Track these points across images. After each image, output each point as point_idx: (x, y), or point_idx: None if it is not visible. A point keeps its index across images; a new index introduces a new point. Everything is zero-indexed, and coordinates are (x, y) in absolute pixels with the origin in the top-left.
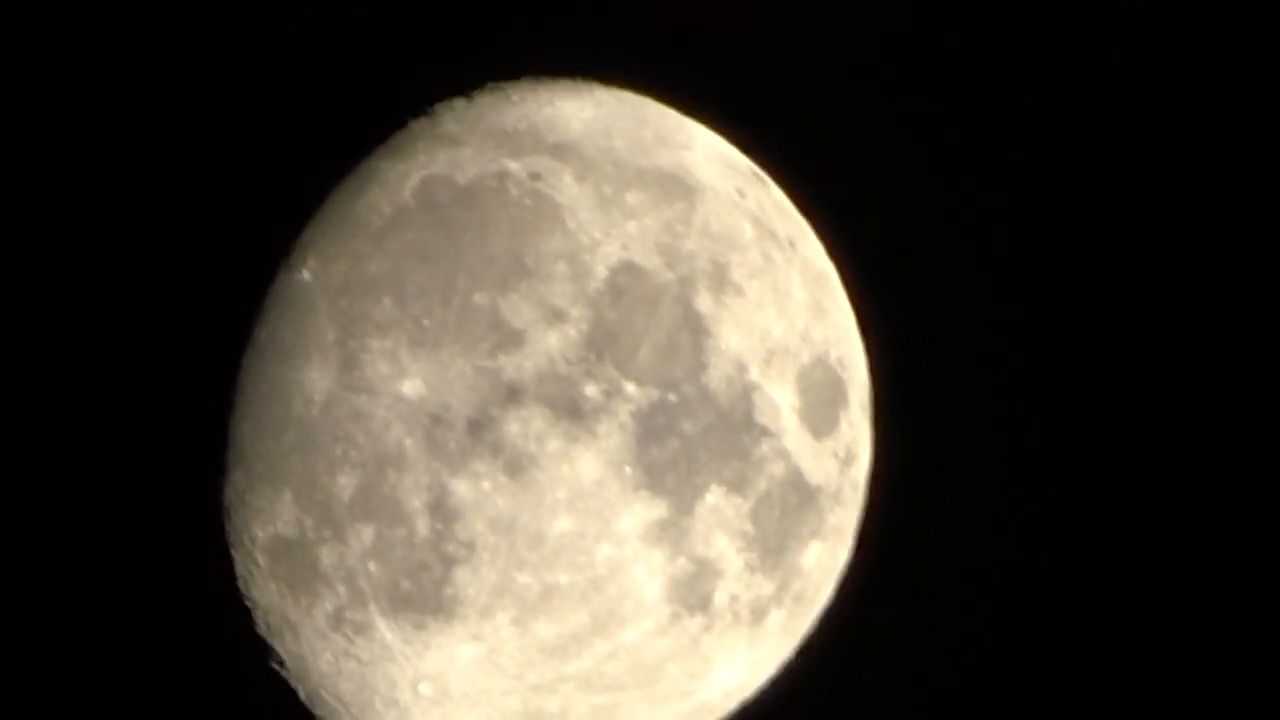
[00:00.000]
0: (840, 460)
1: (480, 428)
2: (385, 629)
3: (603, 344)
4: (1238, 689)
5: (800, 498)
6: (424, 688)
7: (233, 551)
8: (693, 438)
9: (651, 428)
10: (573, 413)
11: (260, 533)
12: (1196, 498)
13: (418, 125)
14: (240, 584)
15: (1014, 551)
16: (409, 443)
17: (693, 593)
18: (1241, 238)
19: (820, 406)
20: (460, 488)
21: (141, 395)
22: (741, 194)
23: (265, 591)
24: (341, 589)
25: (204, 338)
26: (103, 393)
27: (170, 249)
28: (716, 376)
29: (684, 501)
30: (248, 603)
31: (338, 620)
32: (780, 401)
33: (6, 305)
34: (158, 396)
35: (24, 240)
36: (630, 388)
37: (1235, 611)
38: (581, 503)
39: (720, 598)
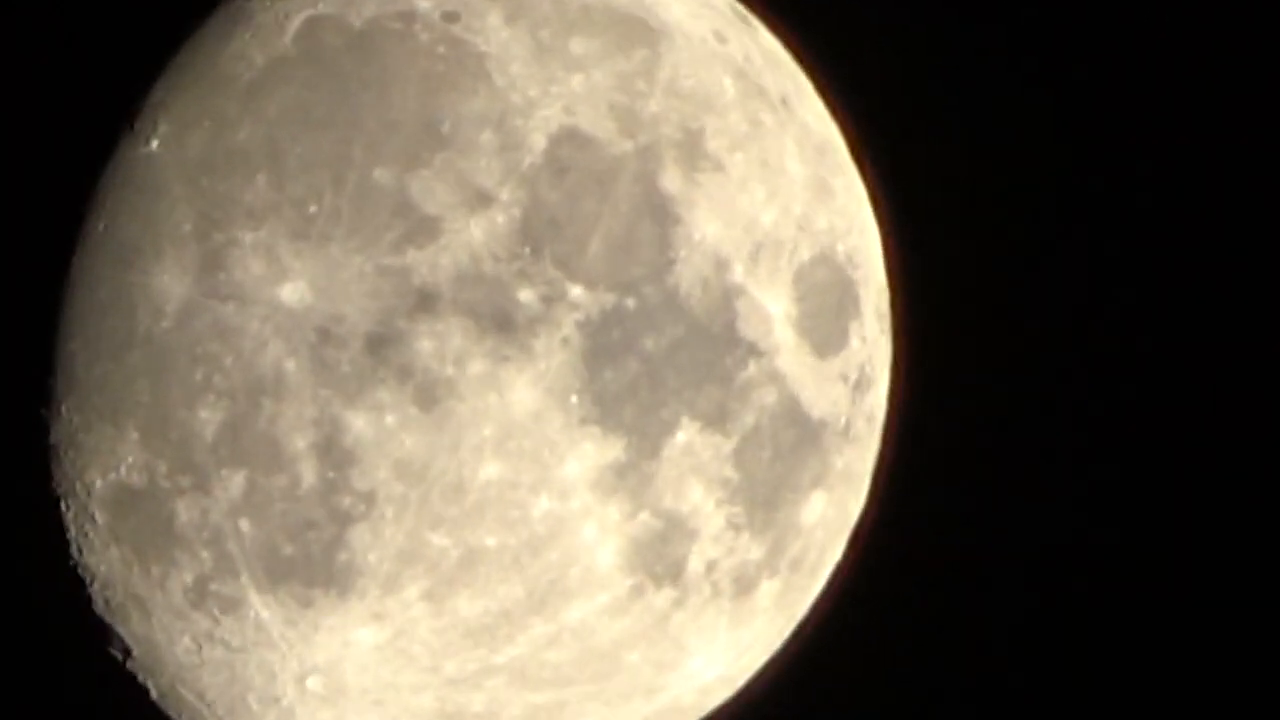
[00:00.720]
0: (850, 385)
1: (383, 345)
2: (261, 606)
3: (541, 235)
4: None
5: (798, 434)
6: (312, 682)
7: (62, 506)
8: (657, 357)
9: (604, 344)
10: (502, 325)
11: (98, 481)
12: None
13: None
14: (72, 548)
15: (1065, 504)
16: (290, 365)
17: (659, 559)
18: None
19: (824, 316)
20: (357, 423)
21: None
22: (721, 39)
23: (105, 557)
24: (204, 554)
25: (22, 231)
26: None
27: None
28: (688, 277)
29: (647, 440)
30: (81, 572)
31: (200, 595)
32: (771, 309)
33: None
34: None
35: None
36: (576, 291)
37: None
38: (514, 442)
39: (695, 565)
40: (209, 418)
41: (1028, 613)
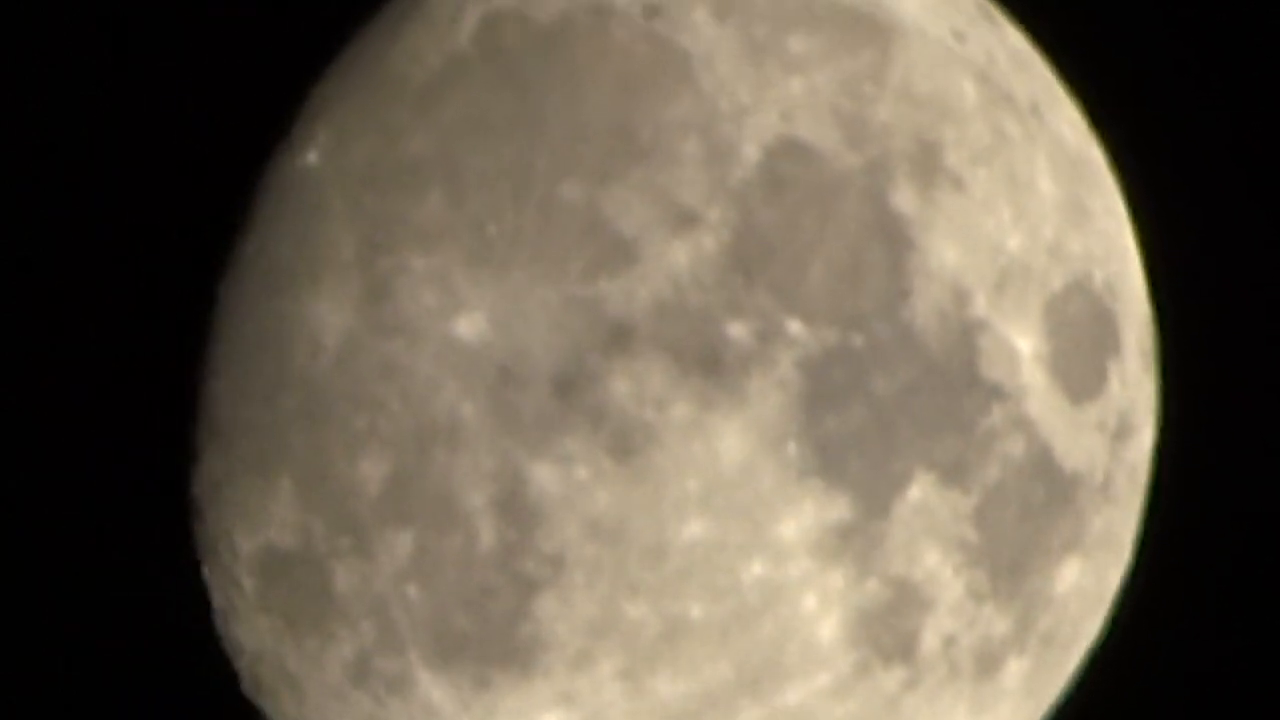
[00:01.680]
0: (1109, 435)
1: (572, 387)
2: (432, 685)
3: (754, 261)
4: None
5: (1050, 491)
6: None
7: (205, 570)
8: (888, 401)
9: (826, 386)
10: (709, 364)
11: (246, 543)
12: None
13: None
14: (215, 619)
15: None
16: (467, 410)
17: (889, 632)
18: None
19: (1079, 355)
20: (543, 476)
21: (79, 343)
22: (961, 37)
23: (253, 629)
24: (366, 626)
25: (163, 255)
26: (33, 341)
27: (122, 126)
28: (923, 310)
29: (876, 497)
30: (226, 646)
31: (362, 673)
32: (1019, 346)
33: None
34: (101, 345)
35: None
36: (795, 326)
37: None
38: (722, 498)
39: (930, 640)
40: (373, 470)
41: None
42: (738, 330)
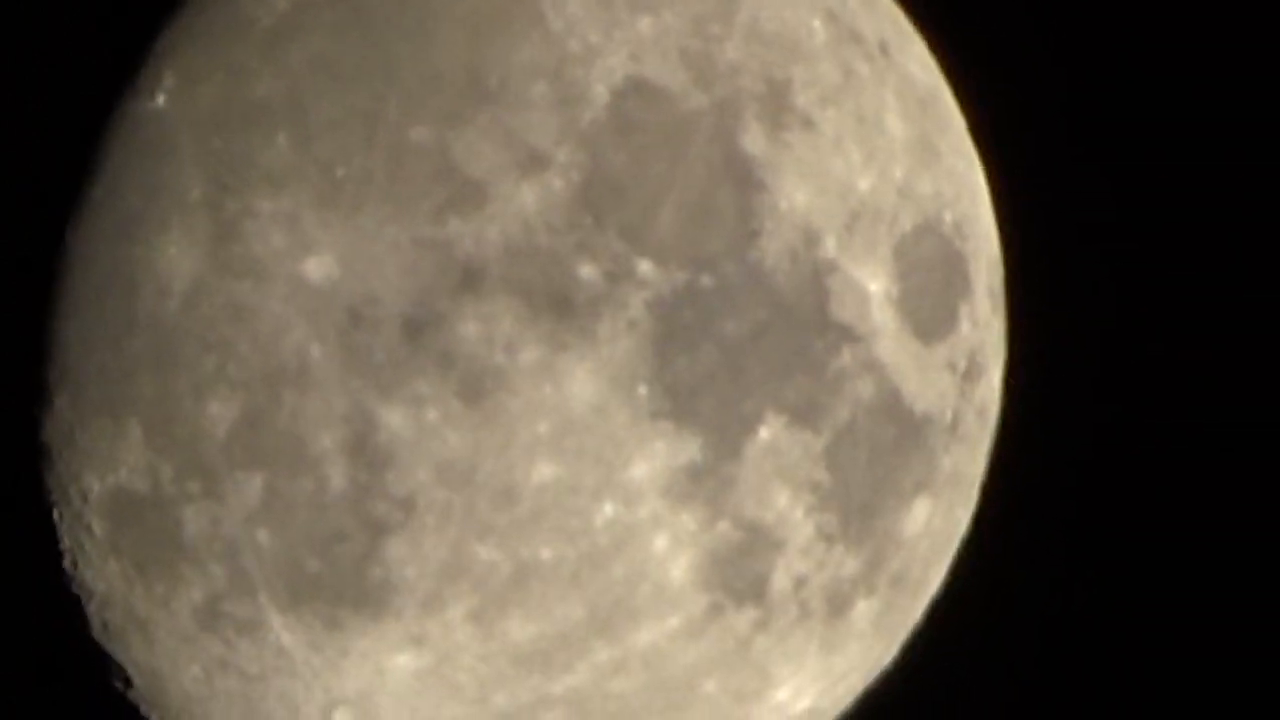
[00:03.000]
0: (959, 375)
1: (422, 329)
2: (282, 628)
3: (604, 202)
4: None
5: (899, 431)
6: (340, 715)
7: (54, 514)
8: (738, 342)
9: (677, 327)
10: (560, 306)
11: (96, 485)
12: None
13: None
14: (65, 562)
15: (1212, 504)
16: (316, 352)
17: (740, 574)
18: None
19: (929, 295)
20: (393, 418)
21: None
22: None
23: (103, 573)
24: (216, 569)
25: (10, 201)
26: None
27: None
28: (773, 251)
29: (726, 438)
30: (76, 590)
31: (211, 616)
32: (869, 287)
33: None
34: None
35: None
36: (645, 267)
37: None
38: (573, 440)
39: (781, 581)
40: (222, 413)
41: (1177, 642)
42: (588, 272)
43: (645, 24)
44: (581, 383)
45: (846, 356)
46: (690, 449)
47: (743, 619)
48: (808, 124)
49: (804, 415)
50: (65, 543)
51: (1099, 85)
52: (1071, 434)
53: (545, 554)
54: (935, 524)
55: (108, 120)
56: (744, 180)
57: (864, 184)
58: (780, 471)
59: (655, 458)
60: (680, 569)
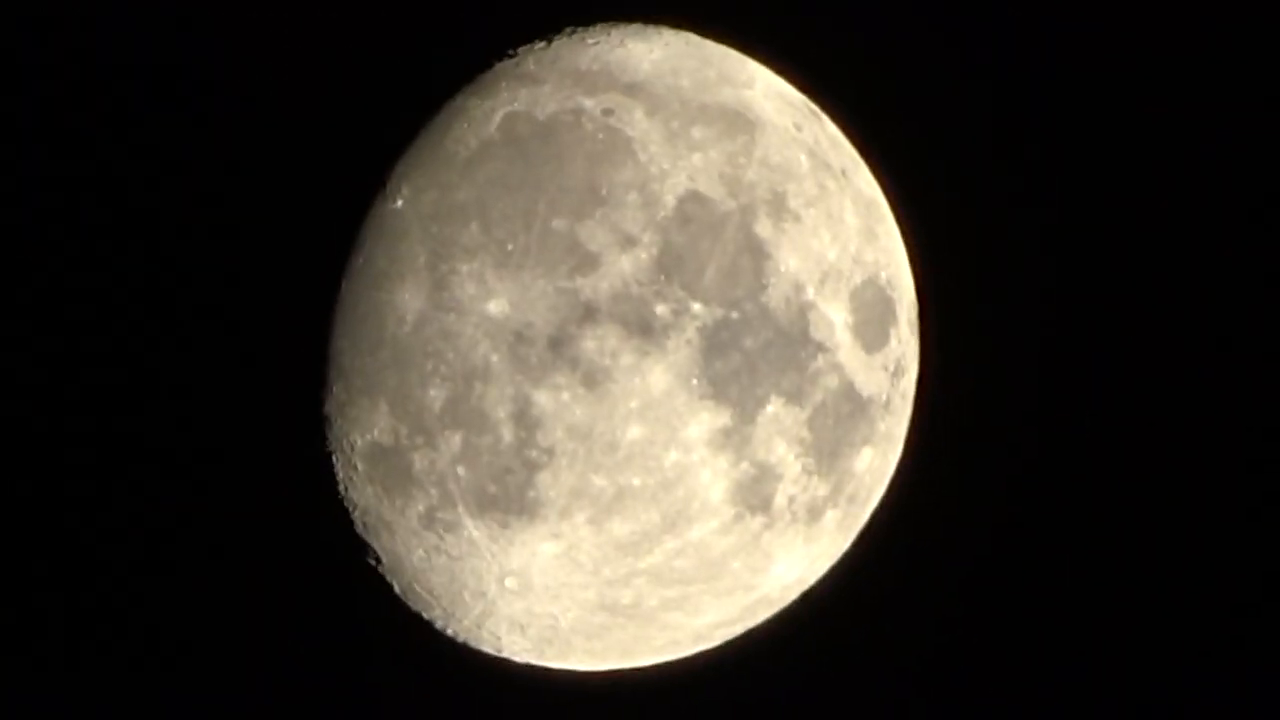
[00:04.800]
0: (890, 373)
1: (560, 344)
2: (473, 528)
3: (671, 266)
4: None
5: (853, 407)
6: (509, 582)
7: (333, 457)
8: (754, 352)
9: (716, 343)
10: (644, 330)
11: (359, 440)
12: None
13: (501, 66)
14: (340, 487)
15: (1047, 454)
16: (494, 358)
17: (754, 494)
18: None
19: (871, 323)
20: (541, 399)
21: (253, 317)
22: (798, 128)
23: (363, 494)
24: (433, 491)
25: (308, 264)
26: (219, 314)
27: (279, 182)
28: (776, 296)
29: (746, 411)
30: (347, 504)
31: (429, 520)
32: (834, 319)
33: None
34: (267, 319)
35: (143, 178)
36: (696, 306)
37: None
38: (652, 412)
39: (780, 499)
40: (437, 395)
41: (1019, 535)
42: (661, 310)
43: (697, 158)
44: (657, 377)
45: (820, 361)
46: (724, 418)
47: (756, 523)
48: (797, 219)
49: (794, 397)
50: (339, 476)
51: (989, 194)
52: (960, 409)
53: (635, 482)
54: (875, 464)
55: (368, 215)
56: (758, 253)
57: (831, 255)
58: (780, 432)
59: (702, 423)
60: (718, 492)
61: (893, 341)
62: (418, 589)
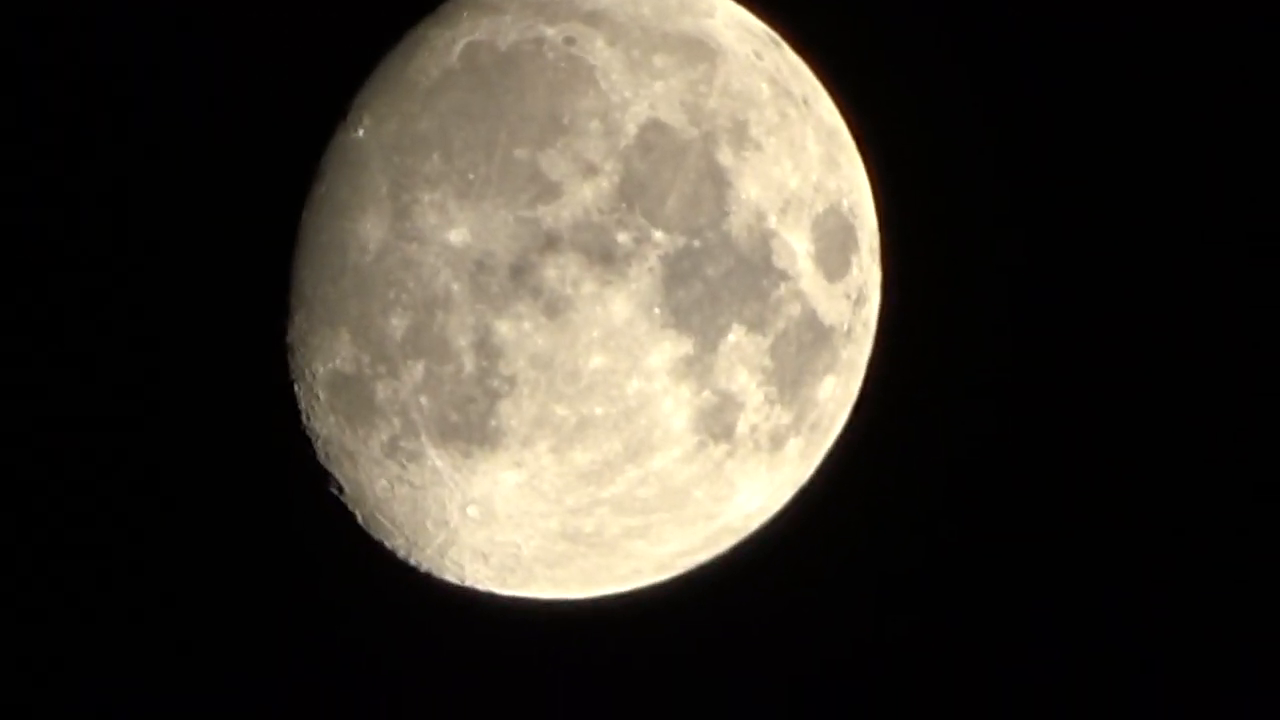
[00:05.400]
0: (852, 301)
1: (521, 273)
2: (435, 457)
3: (633, 195)
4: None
5: (815, 335)
6: (471, 510)
7: (295, 387)
8: (715, 281)
9: (678, 272)
10: (606, 258)
11: (320, 369)
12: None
13: None
14: (302, 416)
15: (1009, 381)
16: (456, 287)
17: (717, 423)
18: None
19: (833, 251)
20: (503, 328)
21: (212, 246)
22: (759, 56)
23: (325, 423)
24: (395, 420)
25: (268, 193)
26: (179, 244)
27: (237, 113)
28: (737, 224)
29: (708, 339)
30: (309, 434)
31: (392, 449)
32: (796, 247)
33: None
34: (227, 247)
35: (103, 107)
36: (658, 235)
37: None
38: (614, 341)
39: (742, 427)
40: (399, 324)
41: (981, 463)
42: (623, 238)
43: (659, 86)
44: (619, 306)
45: (783, 289)
46: (686, 346)
47: (719, 451)
48: (758, 147)
49: (756, 326)
50: (301, 405)
51: (947, 123)
52: (921, 337)
53: (598, 411)
54: (837, 393)
55: (329, 145)
56: (719, 181)
57: (793, 183)
58: (742, 360)
59: (664, 352)
60: (680, 420)
61: (854, 270)
62: (380, 518)
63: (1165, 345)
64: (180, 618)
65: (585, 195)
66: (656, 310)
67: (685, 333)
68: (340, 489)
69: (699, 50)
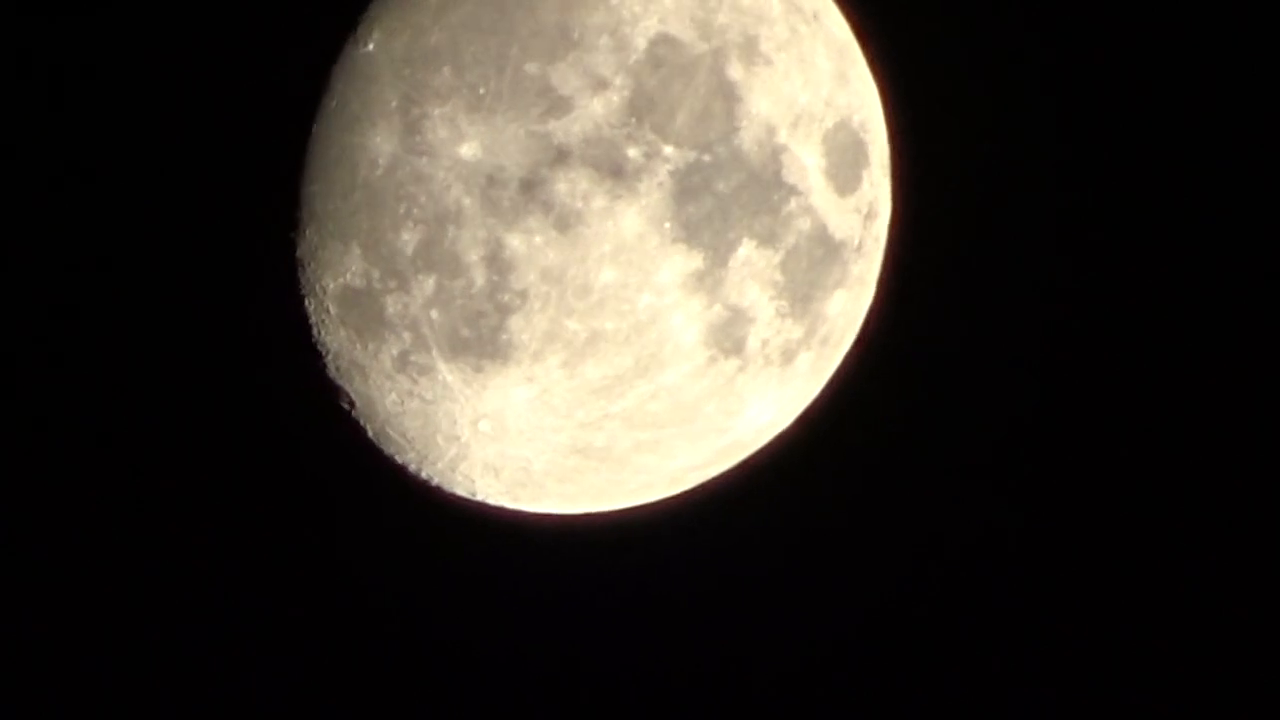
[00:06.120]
0: (862, 216)
1: (532, 187)
2: (446, 371)
3: (643, 109)
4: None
5: (826, 250)
6: (483, 425)
7: (306, 301)
8: (726, 195)
9: (688, 186)
10: (616, 173)
11: (331, 284)
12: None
13: None
14: (313, 331)
15: (1019, 297)
16: (467, 201)
17: (727, 337)
18: None
19: (844, 166)
20: (514, 242)
21: (222, 161)
22: None
23: (335, 338)
24: (406, 335)
25: (278, 108)
26: (189, 158)
27: (248, 28)
28: (747, 139)
29: (718, 254)
30: (320, 348)
31: (403, 363)
32: (807, 162)
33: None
34: (239, 163)
35: (115, 21)
36: (668, 150)
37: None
38: (624, 255)
39: (753, 342)
40: (409, 238)
41: (989, 378)
42: (633, 152)
43: (669, 1)
44: (630, 220)
45: (793, 204)
46: (696, 261)
47: (729, 366)
48: (769, 62)
49: (767, 240)
50: (312, 319)
51: (957, 35)
52: (930, 252)
53: (608, 326)
54: (848, 307)
55: (338, 59)
56: (729, 96)
57: (803, 98)
58: (753, 275)
59: (675, 267)
60: (691, 335)
61: (865, 185)
62: (391, 433)
63: (1180, 288)
64: (191, 534)
65: (596, 110)
66: (667, 225)
67: (696, 247)
68: (351, 403)
69: None
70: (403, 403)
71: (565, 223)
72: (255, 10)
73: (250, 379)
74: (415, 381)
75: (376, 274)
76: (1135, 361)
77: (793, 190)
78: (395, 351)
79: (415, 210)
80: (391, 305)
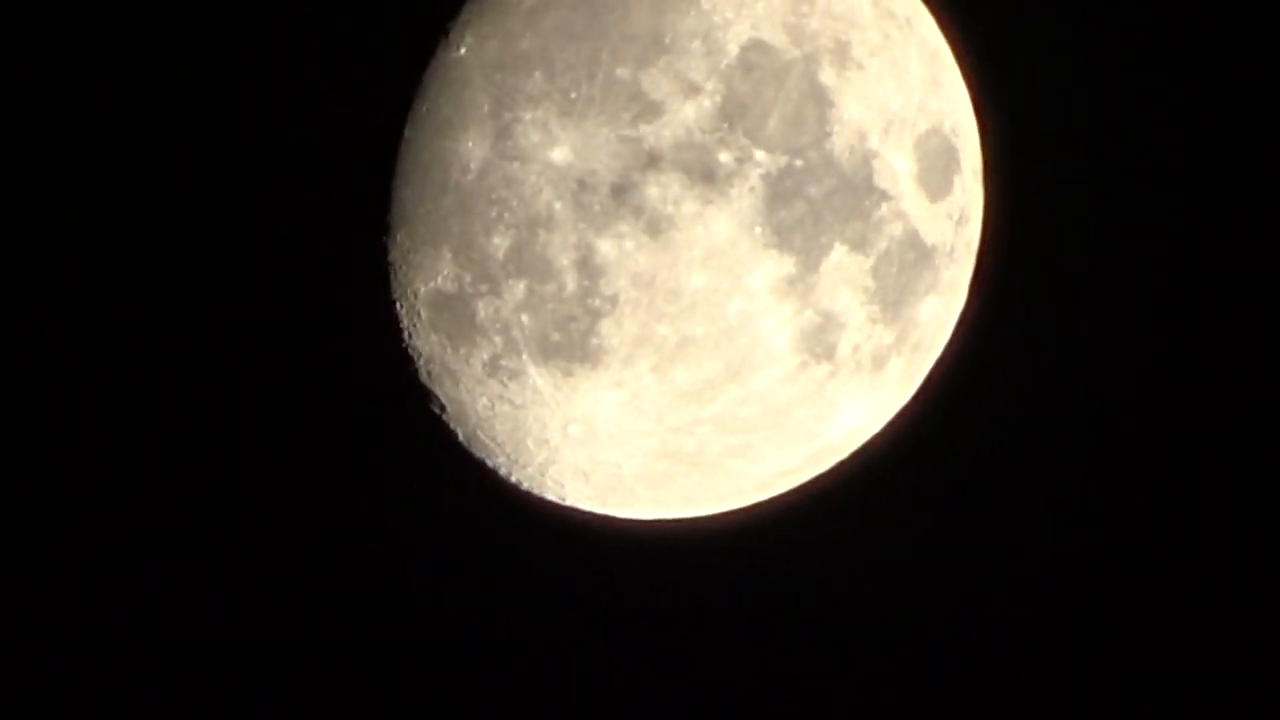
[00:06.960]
0: (954, 221)
1: (623, 191)
2: (537, 375)
3: (734, 114)
4: None
5: (917, 255)
6: (573, 429)
7: (397, 305)
8: (818, 200)
9: (780, 191)
10: (707, 177)
11: (422, 288)
12: None
13: None
14: (404, 335)
15: (1113, 301)
16: (558, 205)
17: (819, 343)
18: None
19: (935, 171)
20: (605, 246)
21: (315, 165)
22: None
23: (427, 342)
24: (497, 339)
25: (371, 113)
26: (284, 162)
27: (341, 32)
28: (839, 144)
29: (810, 259)
30: (411, 353)
31: (493, 368)
32: (898, 167)
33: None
34: (331, 168)
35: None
36: (760, 154)
37: None
38: (715, 260)
39: (844, 347)
40: (500, 242)
41: (1083, 385)
42: (725, 157)
43: (761, 6)
44: (721, 225)
45: (885, 209)
46: (788, 266)
47: (820, 371)
48: (861, 67)
49: (859, 245)
50: (403, 323)
51: (1045, 42)
52: (1022, 258)
53: (699, 331)
54: (939, 312)
55: (431, 64)
56: (821, 101)
57: (895, 103)
58: (845, 280)
59: (766, 272)
60: (782, 340)
61: (957, 190)
62: (482, 437)
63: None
64: (283, 538)
65: (687, 114)
66: (758, 229)
67: (787, 252)
68: (442, 408)
69: None
70: (493, 407)
71: (656, 227)
72: (349, 16)
73: (342, 384)
74: (505, 386)
75: (468, 278)
76: (1238, 367)
77: (884, 195)
78: (486, 356)
79: (506, 214)
80: (483, 310)
